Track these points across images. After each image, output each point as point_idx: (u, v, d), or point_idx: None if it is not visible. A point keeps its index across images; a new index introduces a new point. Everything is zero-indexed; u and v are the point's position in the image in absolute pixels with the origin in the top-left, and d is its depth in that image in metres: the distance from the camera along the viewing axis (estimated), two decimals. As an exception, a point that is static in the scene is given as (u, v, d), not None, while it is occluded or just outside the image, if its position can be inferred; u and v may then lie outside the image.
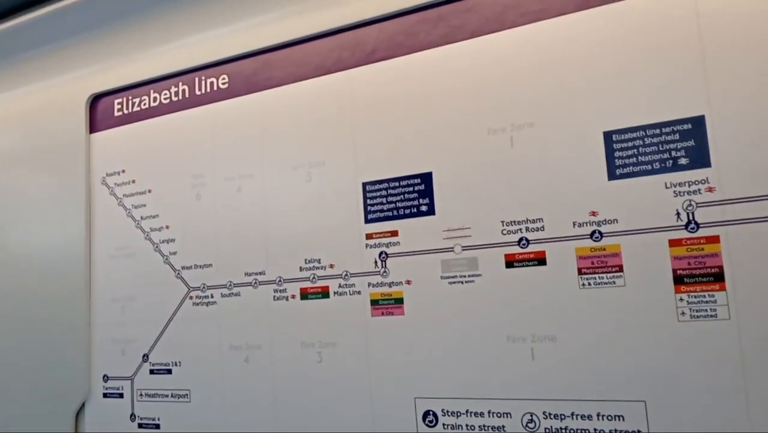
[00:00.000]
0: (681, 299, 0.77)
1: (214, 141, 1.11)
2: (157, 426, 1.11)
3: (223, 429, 1.05)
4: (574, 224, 0.84)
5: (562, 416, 0.82)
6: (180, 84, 1.17)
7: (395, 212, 0.95)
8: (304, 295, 1.01)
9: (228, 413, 1.04)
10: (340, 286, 0.98)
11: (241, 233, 1.07)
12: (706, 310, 0.76)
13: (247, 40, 1.10)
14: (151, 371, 1.13)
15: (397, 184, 0.96)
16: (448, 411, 0.89)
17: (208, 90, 1.14)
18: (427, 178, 0.94)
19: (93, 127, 1.26)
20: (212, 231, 1.09)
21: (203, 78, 1.15)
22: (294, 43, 1.07)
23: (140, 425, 1.13)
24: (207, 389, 1.07)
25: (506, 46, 0.90)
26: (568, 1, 0.87)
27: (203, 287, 1.10)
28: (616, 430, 0.80)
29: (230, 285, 1.07)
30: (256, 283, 1.05)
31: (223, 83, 1.13)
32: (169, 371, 1.11)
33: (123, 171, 1.21)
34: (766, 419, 0.73)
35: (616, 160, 0.82)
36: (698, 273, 0.77)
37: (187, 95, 1.16)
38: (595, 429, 0.81)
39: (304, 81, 1.05)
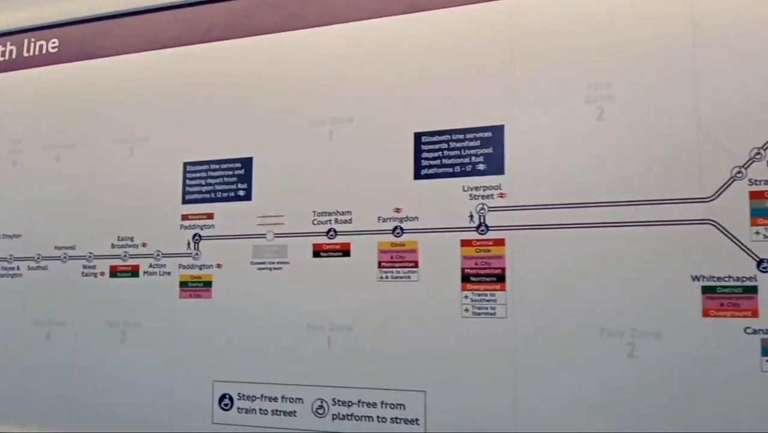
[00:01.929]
0: (466, 297, 0.81)
1: (37, 107, 1.06)
2: (-54, 401, 1.05)
3: (18, 405, 1.00)
4: (379, 218, 0.86)
5: (350, 403, 0.84)
6: (8, 44, 1.11)
7: (213, 195, 0.95)
8: (114, 273, 0.98)
9: (24, 389, 1.00)
10: (150, 265, 0.96)
11: (55, 205, 1.03)
12: (487, 308, 0.80)
13: (80, 5, 1.05)
14: (-55, 343, 1.07)
15: (217, 166, 0.95)
16: (244, 395, 0.89)
17: (37, 53, 1.09)
18: (247, 163, 0.94)
19: None
20: (25, 200, 1.04)
21: (33, 40, 1.09)
22: (129, 14, 1.03)
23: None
24: (2, 363, 1.02)
25: (336, 40, 0.92)
26: (398, 3, 0.88)
27: (10, 258, 1.05)
28: (396, 418, 0.82)
29: (38, 258, 1.03)
30: (65, 257, 1.01)
31: (53, 47, 1.08)
32: (-36, 344, 1.06)
33: (-64, 129, 1.13)
34: (530, 409, 0.77)
35: (423, 161, 0.85)
36: (483, 273, 0.81)
37: (14, 56, 1.10)
38: (378, 416, 0.83)
39: (137, 53, 1.02)
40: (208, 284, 0.93)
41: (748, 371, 0.71)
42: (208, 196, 0.95)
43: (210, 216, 0.94)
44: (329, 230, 0.88)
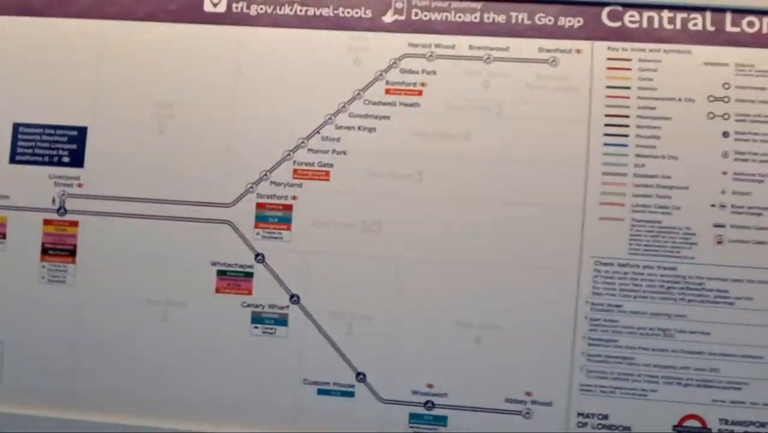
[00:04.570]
0: (44, 267, 0.98)
1: None
2: None
3: None
4: (-25, 195, 1.00)
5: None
6: None
7: None
8: None
9: None
10: None
11: None
12: (59, 276, 0.98)
13: None
14: None
15: None
16: None
17: None
18: None
19: None
20: None
21: None
22: None
23: None
24: None
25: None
26: (11, 5, 1.01)
27: None
28: (-25, 365, 0.98)
29: None
30: None
31: None
32: None
33: None
34: (88, 365, 0.98)
35: (19, 148, 1.00)
36: (59, 248, 0.98)
37: None
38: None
39: None
40: None
41: (243, 333, 0.97)
42: None
43: None
44: (-72, 201, 1.00)
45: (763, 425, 0.90)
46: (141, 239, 0.98)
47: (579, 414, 0.92)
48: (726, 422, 0.91)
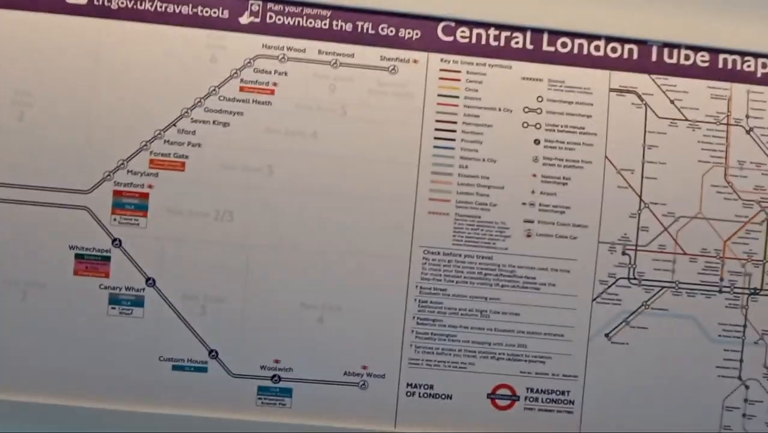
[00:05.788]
0: None
1: None
2: None
3: None
4: None
5: None
6: None
7: None
8: None
9: None
10: None
11: None
12: None
13: None
14: None
15: None
16: None
17: None
18: None
19: None
20: None
21: None
22: None
23: None
24: None
25: None
26: None
27: None
28: None
29: None
30: None
31: None
32: None
33: None
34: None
35: None
36: None
37: None
38: None
39: None
40: None
41: (100, 314, 1.03)
42: None
43: None
44: None
45: (562, 393, 1.06)
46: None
47: (408, 384, 1.05)
48: (532, 390, 1.06)
